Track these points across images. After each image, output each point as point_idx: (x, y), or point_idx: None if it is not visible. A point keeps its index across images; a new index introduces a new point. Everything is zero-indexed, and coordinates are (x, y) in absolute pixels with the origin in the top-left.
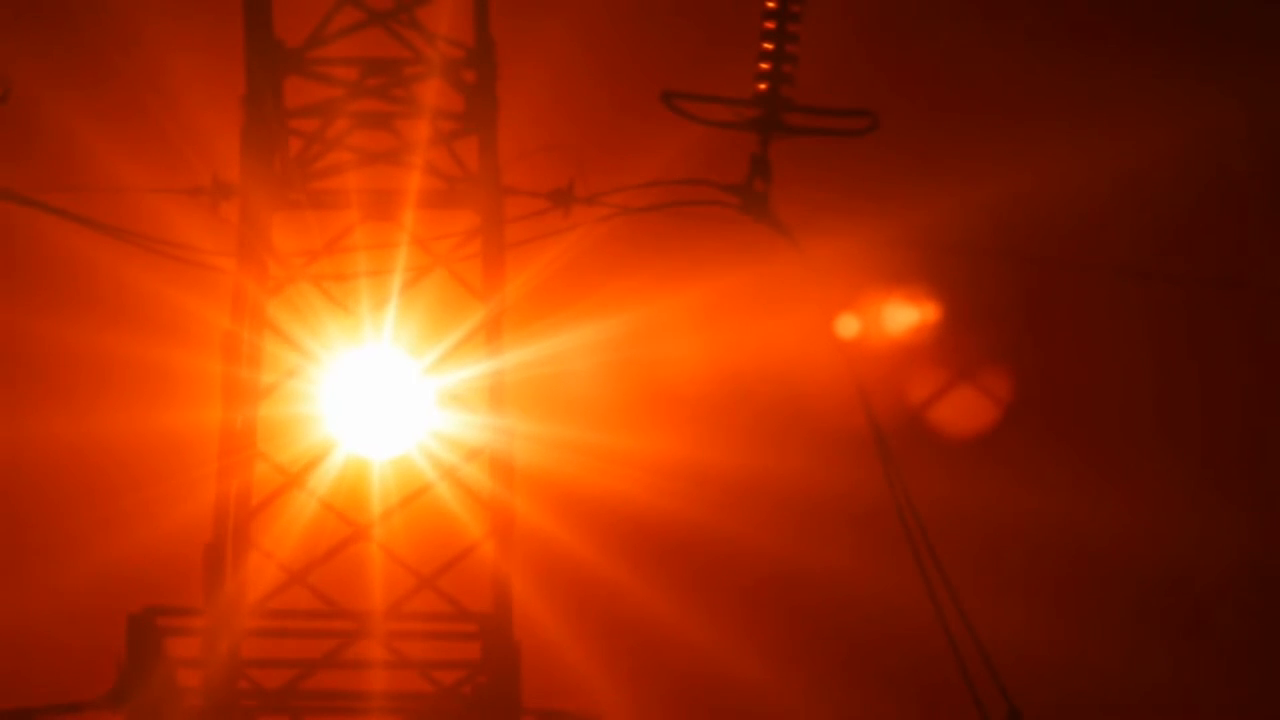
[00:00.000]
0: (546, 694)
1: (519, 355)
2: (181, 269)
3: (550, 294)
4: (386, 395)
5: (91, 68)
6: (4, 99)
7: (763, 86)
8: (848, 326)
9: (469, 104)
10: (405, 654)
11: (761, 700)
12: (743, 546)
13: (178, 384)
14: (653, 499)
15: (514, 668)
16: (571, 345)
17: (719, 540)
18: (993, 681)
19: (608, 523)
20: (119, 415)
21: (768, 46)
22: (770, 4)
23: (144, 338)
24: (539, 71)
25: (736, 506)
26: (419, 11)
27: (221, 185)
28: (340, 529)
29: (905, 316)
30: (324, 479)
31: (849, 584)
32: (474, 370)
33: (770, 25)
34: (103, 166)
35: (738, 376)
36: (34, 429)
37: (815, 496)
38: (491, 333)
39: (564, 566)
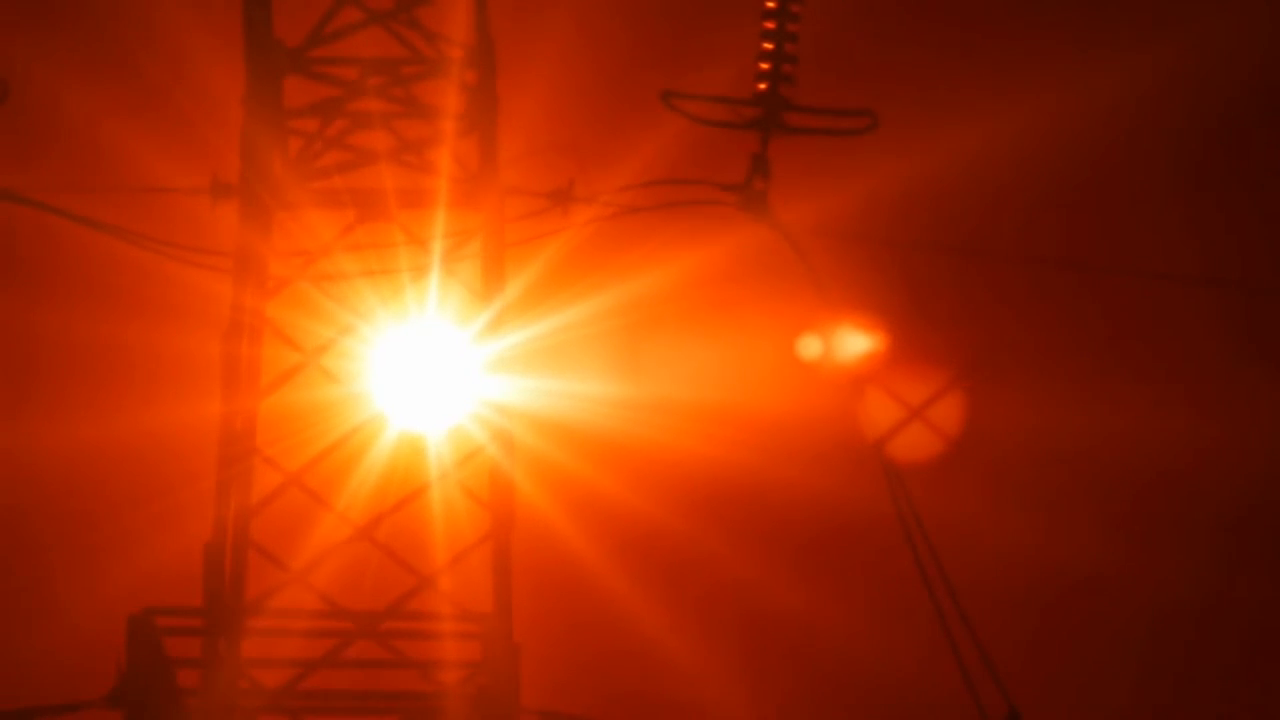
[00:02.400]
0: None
1: (543, 324)
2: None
3: (563, 267)
4: (421, 370)
5: (92, 68)
6: (3, 99)
7: (763, 86)
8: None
9: (469, 104)
10: (405, 654)
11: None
12: (764, 482)
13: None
14: (681, 441)
15: (514, 668)
16: (586, 313)
17: (751, 480)
18: (993, 681)
19: (641, 468)
20: (164, 410)
21: (768, 46)
22: (770, 4)
23: (191, 331)
24: (539, 71)
25: (760, 445)
26: (419, 11)
27: (221, 185)
28: (340, 529)
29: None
30: (378, 455)
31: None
32: (484, 353)
33: (770, 25)
34: (103, 166)
35: (745, 342)
36: (72, 428)
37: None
38: (493, 331)
39: (605, 511)
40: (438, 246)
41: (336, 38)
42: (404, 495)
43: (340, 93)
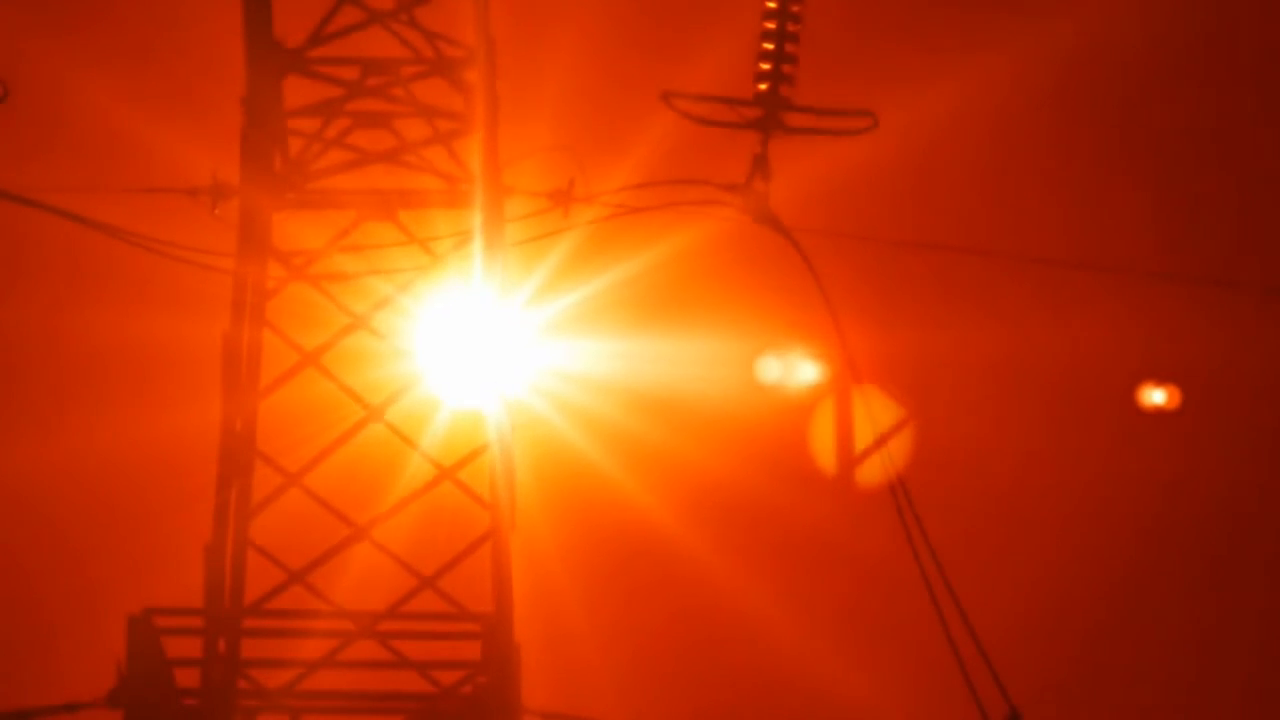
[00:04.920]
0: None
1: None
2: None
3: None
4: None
5: (92, 68)
6: (2, 99)
7: (763, 86)
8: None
9: (469, 104)
10: (405, 654)
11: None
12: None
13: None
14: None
15: (514, 668)
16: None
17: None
18: (993, 682)
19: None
20: (163, 413)
21: (768, 46)
22: (770, 4)
23: (190, 332)
24: (539, 71)
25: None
26: (419, 11)
27: (221, 185)
28: (340, 529)
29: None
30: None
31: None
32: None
33: (770, 25)
34: (104, 166)
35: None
36: (71, 430)
37: None
38: (493, 330)
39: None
40: (407, 255)
41: (336, 38)
42: (405, 495)
43: (340, 93)
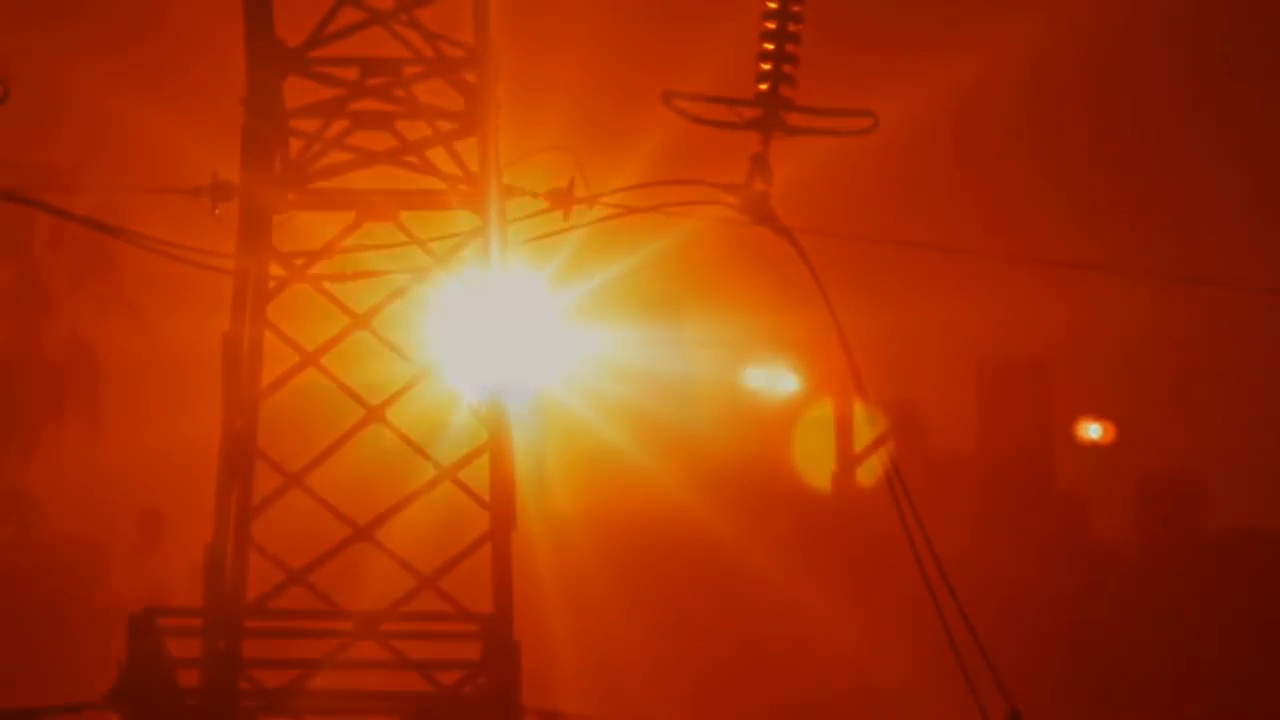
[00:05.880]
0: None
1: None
2: None
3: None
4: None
5: (91, 68)
6: (3, 100)
7: (763, 86)
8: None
9: (469, 104)
10: (405, 654)
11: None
12: None
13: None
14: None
15: (514, 668)
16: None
17: None
18: (993, 681)
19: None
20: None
21: (768, 46)
22: (770, 4)
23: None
24: (540, 71)
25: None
26: (419, 11)
27: (221, 185)
28: (342, 529)
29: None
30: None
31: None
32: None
33: (770, 25)
34: (103, 166)
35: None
36: (69, 432)
37: None
38: (493, 329)
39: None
40: (407, 256)
41: (337, 38)
42: (404, 496)
43: (341, 93)
